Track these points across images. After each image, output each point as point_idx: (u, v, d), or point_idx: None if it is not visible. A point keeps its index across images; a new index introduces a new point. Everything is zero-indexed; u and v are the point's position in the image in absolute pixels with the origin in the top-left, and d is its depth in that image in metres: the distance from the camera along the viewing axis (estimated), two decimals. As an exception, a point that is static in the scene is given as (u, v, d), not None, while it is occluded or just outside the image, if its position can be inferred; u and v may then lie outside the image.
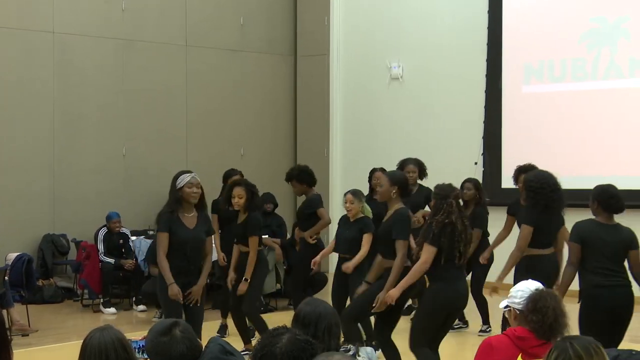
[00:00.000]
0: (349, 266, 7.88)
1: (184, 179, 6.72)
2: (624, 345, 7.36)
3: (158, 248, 6.79)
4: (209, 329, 8.65)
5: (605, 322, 6.22)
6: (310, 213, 9.14)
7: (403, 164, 9.46)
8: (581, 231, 6.34)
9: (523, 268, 7.00)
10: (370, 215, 8.09)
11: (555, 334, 4.26)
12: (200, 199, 6.78)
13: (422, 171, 9.52)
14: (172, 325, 3.65)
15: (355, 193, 8.07)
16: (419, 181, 9.47)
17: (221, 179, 9.99)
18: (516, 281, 6.99)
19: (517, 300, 4.47)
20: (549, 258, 7.12)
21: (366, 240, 7.91)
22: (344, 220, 8.18)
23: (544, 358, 3.29)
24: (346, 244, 8.05)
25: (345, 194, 8.19)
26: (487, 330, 9.02)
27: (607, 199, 6.38)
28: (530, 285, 4.55)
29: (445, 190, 6.37)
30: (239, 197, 7.86)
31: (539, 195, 6.98)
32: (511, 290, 4.58)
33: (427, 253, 6.26)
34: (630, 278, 6.44)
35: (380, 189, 6.86)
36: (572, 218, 6.78)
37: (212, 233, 7.02)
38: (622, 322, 6.36)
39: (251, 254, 7.86)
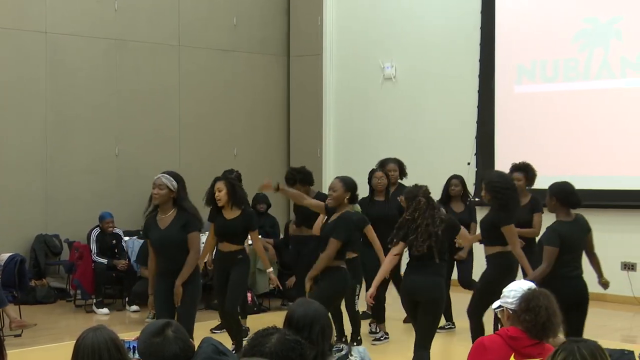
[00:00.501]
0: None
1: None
2: (617, 345, 7.40)
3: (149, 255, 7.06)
4: (205, 328, 8.65)
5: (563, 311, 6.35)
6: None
7: (383, 164, 9.43)
8: (560, 235, 6.50)
9: (492, 266, 7.16)
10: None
11: (548, 333, 4.27)
12: (177, 198, 6.75)
13: (402, 171, 9.51)
14: (165, 326, 3.64)
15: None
16: (399, 181, 9.45)
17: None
18: (488, 277, 7.10)
19: (509, 300, 4.48)
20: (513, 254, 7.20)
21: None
22: None
23: (548, 357, 3.29)
24: None
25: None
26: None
27: (567, 195, 6.63)
28: (523, 285, 4.56)
29: (412, 192, 6.58)
30: (218, 191, 7.86)
31: (505, 195, 7.06)
32: (504, 290, 4.58)
33: (394, 246, 6.54)
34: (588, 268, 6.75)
35: (335, 194, 7.15)
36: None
37: (191, 229, 6.79)
38: (579, 311, 6.53)
39: (259, 245, 8.08)
